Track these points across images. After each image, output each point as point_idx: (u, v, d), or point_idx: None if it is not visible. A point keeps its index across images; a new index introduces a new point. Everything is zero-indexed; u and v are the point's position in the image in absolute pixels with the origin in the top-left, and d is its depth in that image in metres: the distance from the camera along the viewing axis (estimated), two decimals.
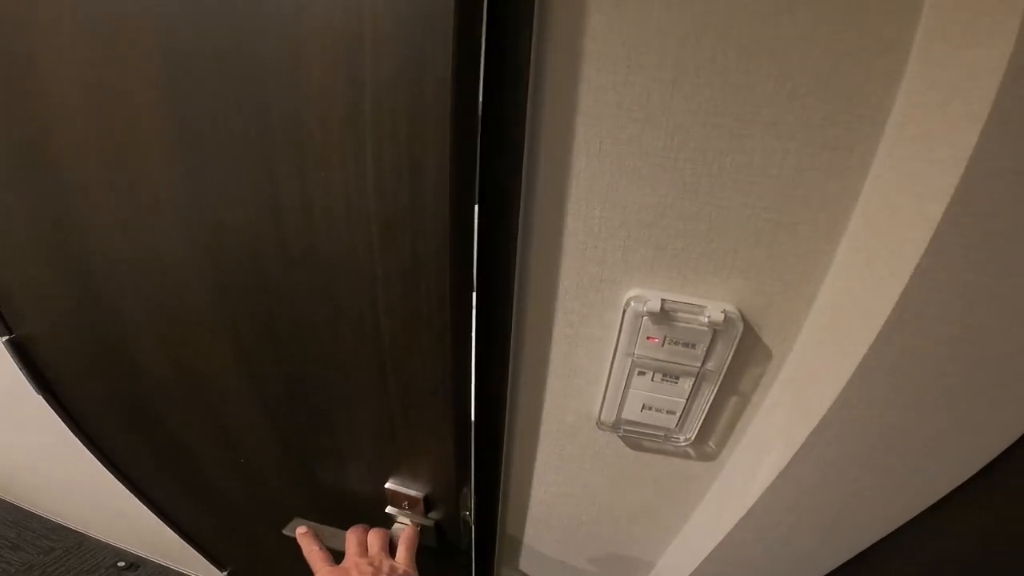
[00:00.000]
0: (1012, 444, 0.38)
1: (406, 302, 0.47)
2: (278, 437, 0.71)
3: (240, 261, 0.52)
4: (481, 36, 0.35)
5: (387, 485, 0.66)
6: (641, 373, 0.43)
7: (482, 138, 0.39)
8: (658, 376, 0.43)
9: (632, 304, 0.41)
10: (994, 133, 0.26)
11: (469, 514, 0.66)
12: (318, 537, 0.64)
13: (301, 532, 0.64)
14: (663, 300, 0.40)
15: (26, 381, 0.82)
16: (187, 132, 0.45)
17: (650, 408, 0.44)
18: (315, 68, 0.38)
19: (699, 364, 0.41)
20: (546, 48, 0.35)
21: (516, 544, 0.70)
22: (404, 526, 0.66)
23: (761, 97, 0.32)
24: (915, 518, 0.45)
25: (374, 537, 0.61)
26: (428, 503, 0.66)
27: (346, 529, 0.64)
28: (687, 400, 0.43)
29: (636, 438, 0.49)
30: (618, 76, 0.34)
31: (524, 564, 0.74)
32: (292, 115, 0.41)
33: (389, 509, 0.67)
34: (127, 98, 0.46)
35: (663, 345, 0.41)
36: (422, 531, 0.66)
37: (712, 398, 0.43)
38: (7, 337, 0.76)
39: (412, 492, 0.65)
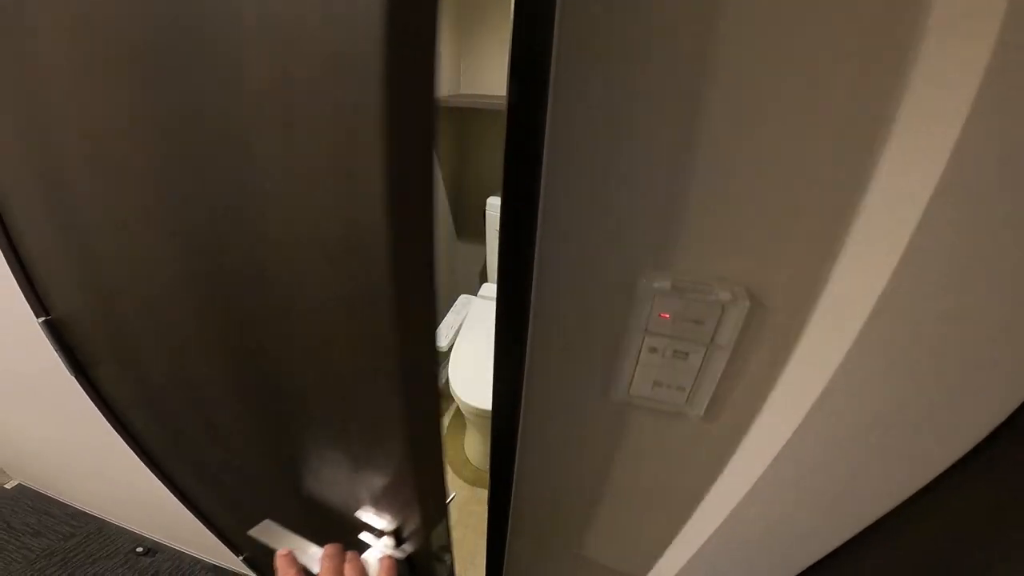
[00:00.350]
0: (1004, 420, 0.40)
1: (354, 335, 0.45)
2: (259, 447, 0.74)
3: (206, 274, 0.52)
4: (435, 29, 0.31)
5: (357, 514, 0.66)
6: (652, 350, 0.46)
7: (507, 133, 0.41)
8: (669, 352, 0.45)
9: (644, 283, 0.43)
10: (977, 123, 0.29)
11: (447, 553, 0.66)
12: (296, 561, 0.63)
13: (281, 554, 0.63)
14: (674, 279, 0.43)
15: (49, 370, 0.85)
16: (150, 136, 0.45)
17: (661, 384, 0.47)
18: (253, 64, 0.36)
19: (708, 340, 0.44)
20: (564, 44, 0.37)
21: (528, 528, 0.72)
22: (382, 553, 0.65)
23: (772, 92, 0.35)
24: (914, 496, 0.47)
25: (350, 569, 0.59)
26: (400, 536, 0.66)
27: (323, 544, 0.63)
28: (696, 376, 0.46)
29: (647, 415, 0.52)
30: (635, 68, 0.37)
31: (534, 550, 0.76)
32: (233, 119, 0.39)
33: (364, 535, 0.67)
34: (100, 104, 0.47)
35: (674, 322, 0.44)
36: (398, 561, 0.65)
37: (720, 374, 0.46)
38: (44, 318, 0.80)
39: (381, 525, 0.65)
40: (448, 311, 2.16)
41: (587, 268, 0.45)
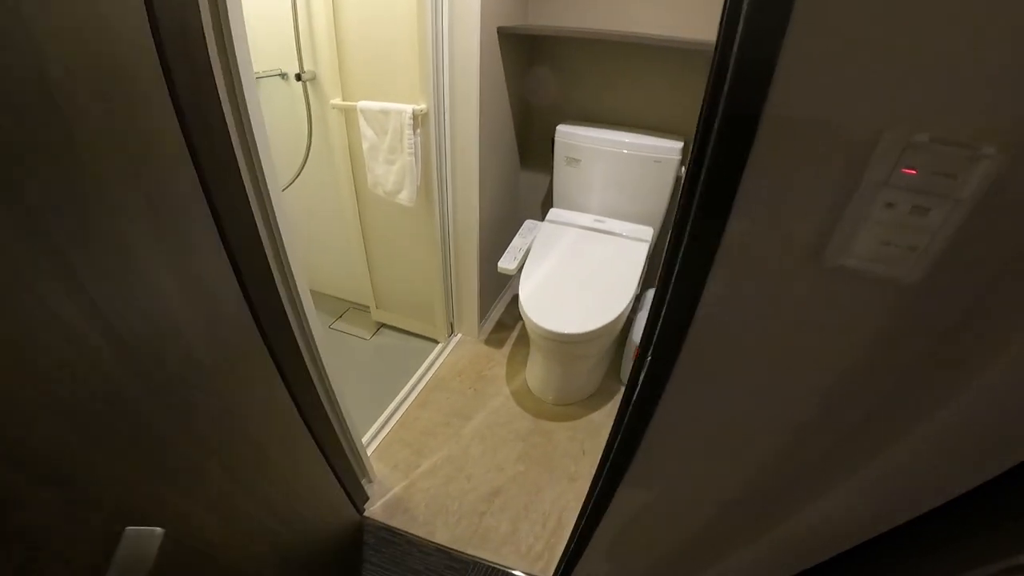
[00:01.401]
0: None
1: None
2: None
3: None
4: None
5: None
6: (889, 205, 0.43)
7: None
8: (907, 207, 0.42)
9: (892, 136, 0.40)
10: None
11: None
12: None
13: None
14: (929, 135, 0.39)
15: None
16: None
17: (889, 243, 0.45)
18: None
19: (956, 196, 0.41)
20: None
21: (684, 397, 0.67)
22: None
23: None
24: None
25: None
26: None
27: None
28: (933, 234, 0.43)
29: (862, 277, 0.48)
30: None
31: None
32: None
33: None
34: None
35: (921, 176, 0.41)
36: None
37: (956, 232, 0.42)
38: None
39: None
40: (515, 235, 2.16)
41: (820, 123, 0.43)
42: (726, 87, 0.45)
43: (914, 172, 0.41)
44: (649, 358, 0.63)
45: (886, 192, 0.43)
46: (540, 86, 2.23)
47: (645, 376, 0.64)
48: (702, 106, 0.51)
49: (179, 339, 0.70)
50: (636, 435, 0.72)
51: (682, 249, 0.53)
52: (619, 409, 0.78)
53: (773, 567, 0.75)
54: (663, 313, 0.58)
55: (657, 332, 0.60)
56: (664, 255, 0.60)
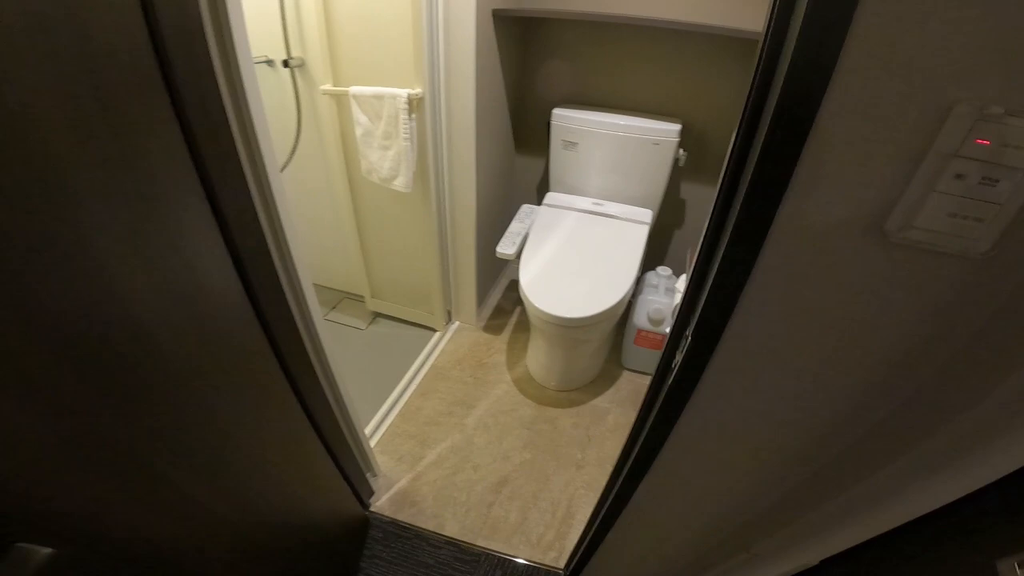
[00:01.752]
0: None
1: None
2: None
3: None
4: None
5: None
6: (958, 176, 0.41)
7: None
8: (976, 178, 0.41)
9: (965, 108, 0.39)
10: None
11: None
12: None
13: None
14: (1007, 106, 0.38)
15: None
16: None
17: (956, 215, 0.43)
18: None
19: None
20: None
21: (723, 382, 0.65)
22: None
23: None
24: None
25: None
26: None
27: None
28: (1002, 204, 0.41)
29: (924, 251, 0.47)
30: None
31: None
32: None
33: None
34: None
35: (994, 148, 0.40)
36: None
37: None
38: None
39: None
40: (512, 220, 2.13)
41: (891, 93, 0.41)
42: (787, 63, 0.43)
43: (987, 143, 0.40)
44: (688, 338, 0.62)
45: (956, 163, 0.42)
46: (535, 69, 2.20)
47: (684, 357, 0.63)
48: (752, 82, 0.49)
49: (163, 333, 0.64)
50: (669, 421, 0.71)
51: (730, 228, 0.52)
52: (647, 397, 0.77)
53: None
54: (706, 293, 0.57)
55: (699, 312, 0.59)
56: (704, 234, 0.58)
